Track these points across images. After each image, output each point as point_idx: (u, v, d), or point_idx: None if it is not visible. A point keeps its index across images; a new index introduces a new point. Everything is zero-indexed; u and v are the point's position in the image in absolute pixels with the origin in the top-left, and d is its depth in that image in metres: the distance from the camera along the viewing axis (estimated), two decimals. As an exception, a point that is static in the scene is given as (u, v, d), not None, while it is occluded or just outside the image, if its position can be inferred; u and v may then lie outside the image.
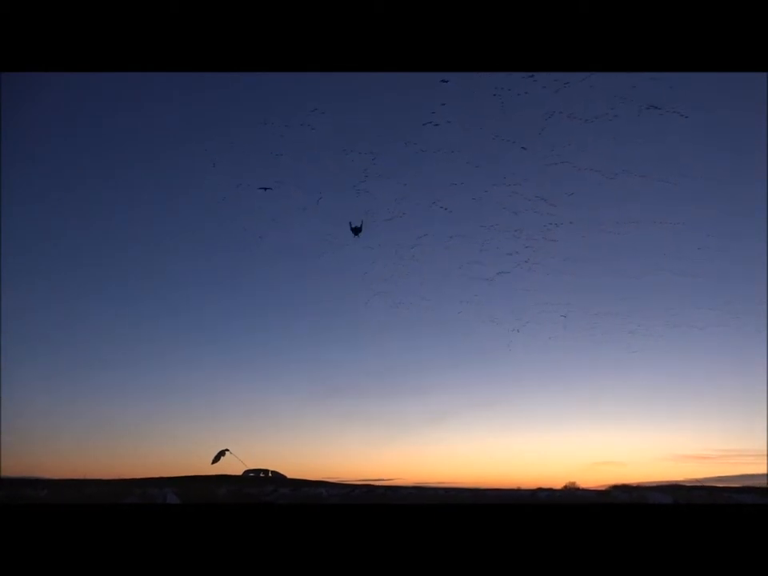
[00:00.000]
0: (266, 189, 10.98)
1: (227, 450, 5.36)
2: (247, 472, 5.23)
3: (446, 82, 11.36)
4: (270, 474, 5.22)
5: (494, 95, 11.71)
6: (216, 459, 5.30)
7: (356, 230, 11.03)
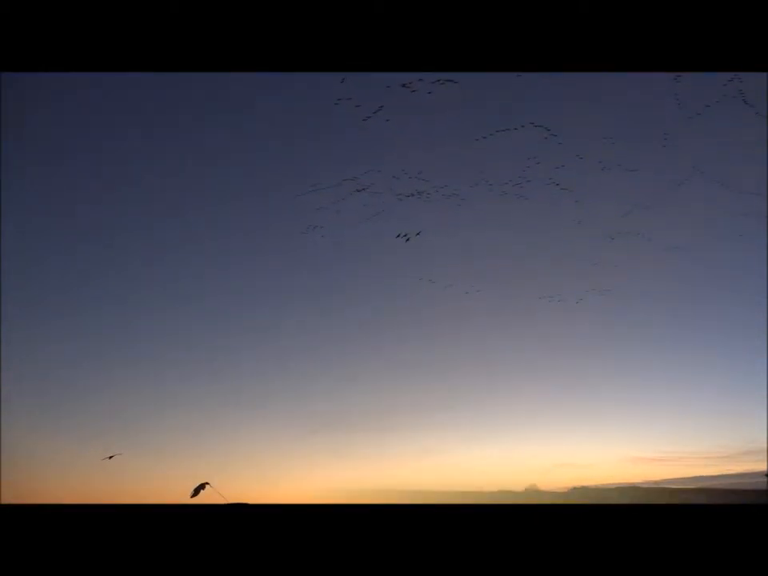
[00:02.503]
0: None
1: (207, 483, 5.31)
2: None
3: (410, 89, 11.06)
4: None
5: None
6: (195, 493, 5.25)
7: None
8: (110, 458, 5.60)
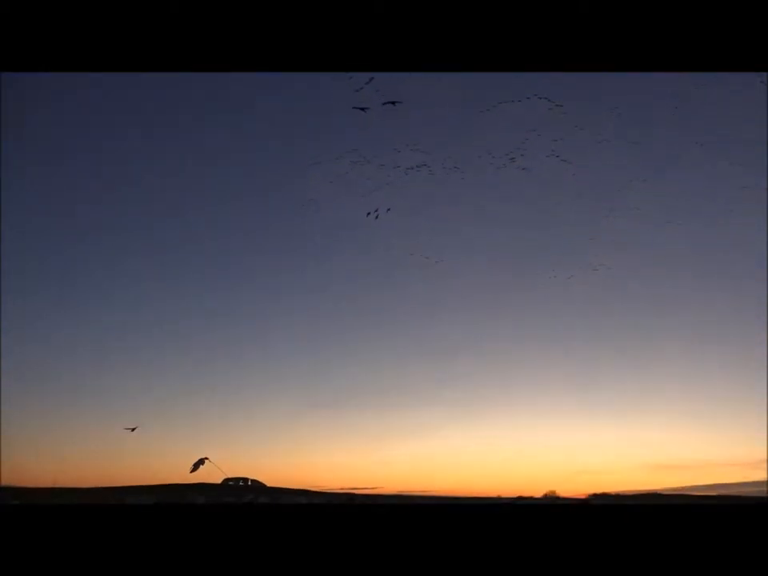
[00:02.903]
0: (363, 109, 9.56)
1: (206, 458, 5.31)
2: (226, 480, 5.18)
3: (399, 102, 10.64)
4: (249, 483, 5.17)
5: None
6: (195, 468, 5.25)
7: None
8: (132, 429, 5.92)
